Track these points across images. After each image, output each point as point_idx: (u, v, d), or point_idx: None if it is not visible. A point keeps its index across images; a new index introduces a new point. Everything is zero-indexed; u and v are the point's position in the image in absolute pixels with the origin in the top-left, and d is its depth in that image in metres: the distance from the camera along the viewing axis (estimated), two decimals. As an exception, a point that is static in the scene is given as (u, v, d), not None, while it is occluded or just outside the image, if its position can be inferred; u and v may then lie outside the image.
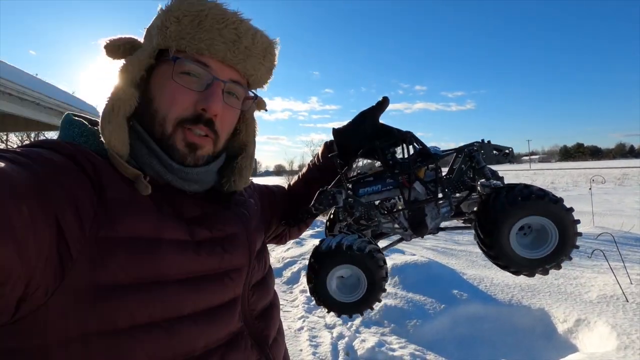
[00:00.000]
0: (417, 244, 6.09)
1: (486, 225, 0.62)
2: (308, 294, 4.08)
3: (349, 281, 0.68)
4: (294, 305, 3.89)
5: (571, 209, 0.60)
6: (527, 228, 0.62)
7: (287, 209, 0.90)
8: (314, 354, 2.85)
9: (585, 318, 3.05)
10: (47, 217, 0.39)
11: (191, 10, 0.56)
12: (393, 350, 2.85)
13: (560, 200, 0.59)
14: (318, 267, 0.64)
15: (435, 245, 5.89)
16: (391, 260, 4.33)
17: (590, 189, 8.33)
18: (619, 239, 4.79)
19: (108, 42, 0.59)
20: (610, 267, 3.55)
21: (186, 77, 0.57)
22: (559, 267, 0.61)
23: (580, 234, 0.59)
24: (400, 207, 0.75)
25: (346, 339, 3.04)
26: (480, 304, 3.47)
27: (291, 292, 4.32)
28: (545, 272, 0.62)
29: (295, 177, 0.96)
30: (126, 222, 0.47)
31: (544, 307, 3.32)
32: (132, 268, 0.46)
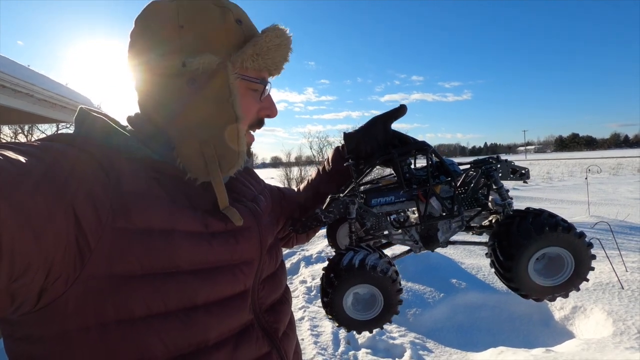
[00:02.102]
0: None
1: (508, 248, 0.61)
2: (308, 284, 4.12)
3: (363, 298, 0.67)
4: (294, 296, 3.92)
5: (591, 244, 0.61)
6: (541, 255, 0.63)
7: (294, 212, 0.90)
8: (315, 343, 2.88)
9: (581, 305, 3.10)
10: (64, 208, 0.40)
11: (275, 42, 0.60)
12: (393, 338, 2.89)
13: (583, 234, 0.60)
14: (338, 283, 0.63)
15: (433, 236, 5.94)
16: (390, 250, 4.34)
17: (586, 178, 8.40)
18: (615, 227, 4.84)
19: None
20: (607, 255, 3.60)
21: (254, 91, 0.63)
22: (566, 296, 0.63)
23: (593, 269, 0.61)
24: (413, 221, 0.73)
25: (347, 328, 3.07)
26: (478, 293, 3.52)
27: (291, 283, 4.34)
28: (553, 299, 0.64)
29: (305, 182, 0.95)
30: (141, 214, 0.47)
31: (541, 295, 3.37)
32: (148, 259, 0.47)
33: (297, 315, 3.41)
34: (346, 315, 0.65)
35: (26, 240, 0.35)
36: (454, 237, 0.75)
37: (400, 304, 0.66)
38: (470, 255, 4.66)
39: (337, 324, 0.67)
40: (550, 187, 15.00)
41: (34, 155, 0.41)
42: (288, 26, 0.62)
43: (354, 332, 0.69)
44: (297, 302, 3.73)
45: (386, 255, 0.68)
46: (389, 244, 0.79)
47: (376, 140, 0.76)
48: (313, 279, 4.26)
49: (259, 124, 0.66)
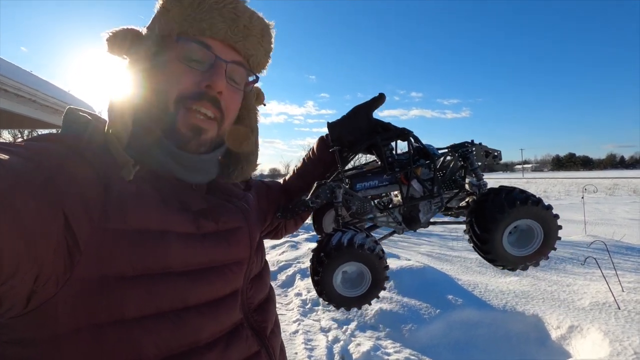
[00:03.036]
0: (412, 249, 6.10)
1: (484, 222, 0.66)
2: (303, 297, 4.07)
3: (351, 276, 0.71)
4: (288, 309, 3.87)
5: (557, 216, 0.67)
6: (514, 228, 0.68)
7: (280, 201, 0.91)
8: (309, 357, 2.83)
9: (578, 325, 3.07)
10: (54, 209, 0.39)
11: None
12: (388, 354, 2.84)
13: (551, 207, 0.66)
14: (328, 261, 0.66)
15: (430, 251, 5.91)
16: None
17: (582, 197, 8.43)
18: (611, 247, 4.85)
19: (112, 34, 0.56)
20: (603, 275, 3.59)
21: (190, 60, 0.57)
22: (537, 264, 0.68)
23: (559, 238, 0.67)
24: (396, 203, 0.77)
25: (341, 342, 3.02)
26: (474, 310, 3.48)
27: (286, 296, 4.29)
28: (525, 268, 0.69)
29: (290, 172, 0.96)
30: (133, 215, 0.47)
31: (538, 314, 3.34)
32: (139, 260, 0.47)
33: (291, 328, 3.36)
34: (336, 292, 0.69)
35: (14, 242, 0.35)
36: (434, 218, 0.80)
37: (387, 280, 0.70)
38: (466, 271, 4.64)
39: (327, 302, 0.71)
40: (547, 205, 14.99)
41: (22, 156, 0.40)
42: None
43: (344, 309, 0.72)
44: (292, 315, 3.68)
45: (372, 235, 0.71)
46: (374, 227, 0.83)
47: (359, 128, 0.78)
48: (308, 292, 4.21)
49: (202, 97, 0.58)
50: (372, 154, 0.81)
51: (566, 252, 5.30)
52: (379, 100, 0.78)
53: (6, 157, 0.38)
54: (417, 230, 0.78)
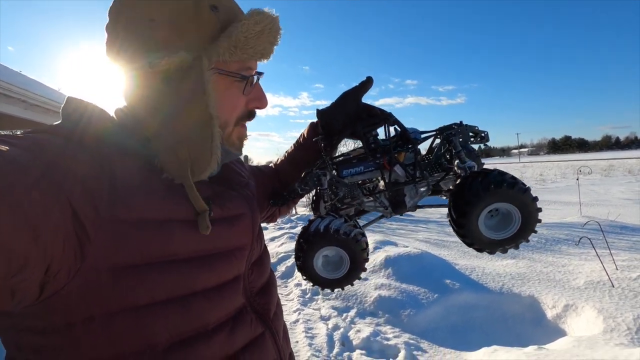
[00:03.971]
0: (409, 236, 6.15)
1: (460, 206, 0.67)
2: (303, 287, 4.12)
3: (333, 260, 0.75)
4: (288, 299, 3.91)
5: (536, 198, 0.65)
6: (495, 211, 0.68)
7: (276, 188, 0.92)
8: (310, 345, 2.88)
9: (573, 303, 3.14)
10: (60, 201, 0.40)
11: (255, 30, 0.54)
12: (388, 339, 2.89)
13: (528, 189, 0.65)
14: (307, 247, 0.71)
15: (427, 237, 5.97)
16: (384, 252, 4.37)
17: (577, 179, 8.51)
18: (605, 227, 4.91)
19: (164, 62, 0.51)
20: (597, 254, 3.65)
21: (241, 83, 0.59)
22: (517, 247, 0.68)
23: (540, 221, 0.66)
24: (382, 188, 0.78)
25: (341, 329, 3.07)
26: (472, 293, 3.54)
27: (286, 287, 4.34)
28: (504, 251, 0.69)
29: (281, 156, 0.98)
30: (139, 204, 0.48)
31: (534, 294, 3.40)
32: (147, 248, 0.47)
33: (291, 317, 3.41)
34: (318, 275, 0.74)
35: (22, 236, 0.35)
36: (422, 202, 0.81)
37: (366, 261, 0.73)
38: (463, 256, 4.70)
39: (312, 285, 0.76)
40: (543, 188, 15.13)
41: (21, 147, 0.41)
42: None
43: (329, 290, 0.77)
44: (292, 305, 3.72)
45: (352, 220, 0.74)
46: (363, 212, 0.86)
47: (347, 114, 0.78)
48: (308, 282, 4.25)
49: (250, 116, 0.65)
50: (358, 140, 0.82)
51: (561, 233, 5.37)
52: (366, 84, 0.78)
53: (6, 148, 0.38)
54: (415, 217, 0.80)
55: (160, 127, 0.53)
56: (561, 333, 2.95)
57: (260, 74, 0.62)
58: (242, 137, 0.65)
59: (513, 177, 0.65)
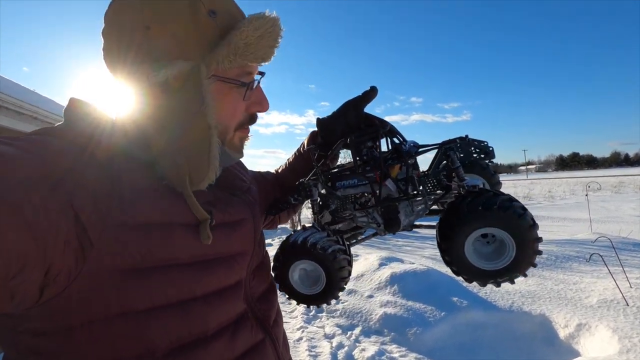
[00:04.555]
0: (415, 252, 6.06)
1: (443, 228, 0.60)
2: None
3: (313, 274, 0.71)
4: (292, 317, 3.84)
5: (535, 225, 0.55)
6: (492, 237, 0.60)
7: (277, 195, 0.92)
8: (313, 364, 2.80)
9: (586, 323, 3.02)
10: (61, 203, 0.39)
11: (255, 35, 0.52)
12: (394, 359, 2.81)
13: (526, 214, 0.55)
14: (282, 258, 0.69)
15: (433, 254, 5.86)
16: (390, 269, 4.30)
17: (586, 195, 8.37)
18: (617, 244, 4.79)
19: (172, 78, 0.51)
20: (610, 272, 3.53)
21: (242, 88, 0.58)
22: (512, 282, 0.59)
23: (540, 252, 0.56)
24: (374, 203, 0.74)
25: (346, 348, 2.99)
26: (480, 311, 3.44)
27: (290, 304, 4.26)
28: (497, 285, 0.60)
29: (283, 164, 0.98)
30: (140, 208, 0.47)
31: (545, 313, 3.29)
32: (149, 252, 0.47)
33: (295, 335, 3.33)
34: (293, 288, 0.71)
35: (23, 239, 0.35)
36: (419, 221, 0.75)
37: (344, 280, 0.68)
38: (471, 273, 4.59)
39: (288, 297, 0.73)
40: (552, 205, 14.91)
41: (28, 150, 0.41)
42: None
43: (305, 306, 0.74)
44: (296, 322, 3.65)
45: (335, 236, 0.70)
46: (358, 227, 0.81)
47: (348, 124, 0.75)
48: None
49: (251, 120, 0.63)
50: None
51: (572, 250, 5.24)
52: (370, 93, 0.74)
53: (12, 151, 0.38)
54: (422, 234, 0.76)
55: (160, 137, 0.52)
56: (574, 353, 2.84)
57: (261, 74, 0.61)
58: (244, 139, 0.64)
59: (510, 199, 0.56)
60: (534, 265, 0.56)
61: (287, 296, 0.72)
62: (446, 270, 4.62)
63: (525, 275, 0.58)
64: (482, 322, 3.32)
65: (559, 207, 13.81)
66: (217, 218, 0.57)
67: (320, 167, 0.76)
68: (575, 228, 7.89)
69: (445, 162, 0.71)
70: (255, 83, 0.60)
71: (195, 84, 0.51)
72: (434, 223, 0.74)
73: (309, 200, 0.78)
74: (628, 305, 3.16)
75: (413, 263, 4.73)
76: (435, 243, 0.65)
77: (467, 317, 3.37)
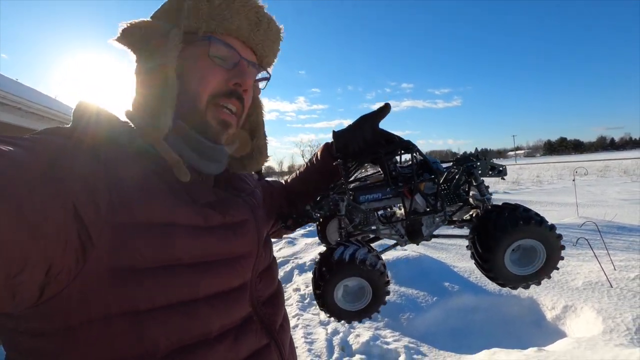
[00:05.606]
0: (408, 239, 6.14)
1: (486, 241, 0.66)
2: (302, 292, 4.10)
3: (353, 290, 0.71)
4: (287, 304, 3.89)
5: (560, 236, 0.65)
6: (517, 246, 0.67)
7: (283, 205, 0.91)
8: (309, 350, 2.86)
9: (572, 304, 3.14)
10: (62, 202, 0.39)
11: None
12: (387, 343, 2.88)
13: (554, 227, 0.65)
14: (329, 276, 0.67)
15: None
16: (383, 256, 4.36)
17: (573, 180, 8.54)
18: (603, 227, 4.93)
19: (129, 25, 0.59)
20: (595, 255, 3.65)
21: (216, 58, 0.60)
22: (539, 283, 0.68)
23: (562, 258, 0.67)
24: (399, 216, 0.77)
25: (341, 334, 3.05)
26: (471, 295, 3.53)
27: (285, 291, 4.31)
28: (527, 287, 0.69)
29: (293, 175, 0.96)
30: (142, 208, 0.47)
31: (533, 296, 3.40)
32: (149, 252, 0.47)
33: (291, 323, 3.38)
34: (337, 306, 0.70)
35: (23, 238, 0.35)
36: (437, 231, 0.79)
37: (387, 294, 0.70)
38: (462, 258, 4.69)
39: (328, 315, 0.71)
40: (540, 190, 15.20)
41: (30, 149, 0.40)
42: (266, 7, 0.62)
43: (344, 322, 0.73)
44: (291, 310, 3.70)
45: (374, 250, 0.71)
46: (376, 238, 0.83)
47: (364, 139, 0.77)
48: (307, 287, 4.23)
49: (229, 95, 0.61)
50: (376, 165, 0.80)
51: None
52: (384, 109, 0.77)
53: (12, 149, 0.38)
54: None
55: (136, 97, 0.59)
56: (561, 334, 2.95)
57: (267, 79, 0.65)
58: (221, 120, 0.61)
59: (538, 214, 0.66)
60: (557, 269, 0.67)
61: (328, 315, 0.71)
62: (438, 256, 4.72)
63: (549, 277, 0.68)
64: (473, 306, 3.42)
65: (546, 192, 14.08)
66: (217, 220, 0.58)
67: (343, 180, 0.77)
68: (563, 212, 8.08)
69: (464, 177, 0.76)
70: (233, 57, 0.61)
71: (166, 42, 0.57)
72: (449, 232, 0.81)
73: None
74: (612, 287, 3.29)
75: (405, 249, 4.80)
76: (472, 253, 0.70)
77: (458, 302, 3.46)
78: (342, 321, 0.72)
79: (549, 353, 2.39)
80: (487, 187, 0.76)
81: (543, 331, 3.05)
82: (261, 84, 0.73)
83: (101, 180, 0.45)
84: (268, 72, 0.71)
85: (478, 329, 3.17)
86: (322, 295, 0.68)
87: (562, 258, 0.66)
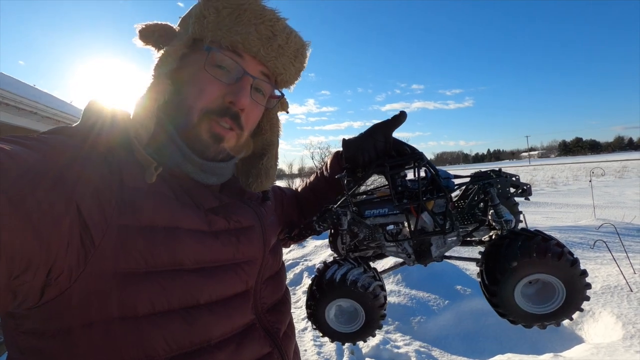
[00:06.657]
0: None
1: (493, 272, 0.58)
2: (311, 294, 4.08)
3: (347, 311, 0.68)
4: (297, 307, 3.88)
5: (585, 273, 0.55)
6: (535, 280, 0.59)
7: (293, 214, 0.90)
8: (318, 353, 2.84)
9: (590, 309, 3.04)
10: (67, 203, 0.39)
11: (232, 3, 0.56)
12: (398, 347, 2.84)
13: (577, 261, 0.55)
14: (319, 296, 0.64)
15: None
16: (393, 258, 4.30)
17: (590, 181, 8.33)
18: (621, 230, 4.77)
19: (144, 27, 0.61)
20: (614, 258, 3.54)
21: (217, 69, 0.57)
22: (558, 324, 0.58)
23: (588, 299, 0.56)
24: (406, 234, 0.71)
25: (350, 337, 3.03)
26: (484, 299, 3.43)
27: (294, 294, 4.30)
28: (542, 327, 0.60)
29: (303, 183, 0.95)
30: (145, 211, 0.47)
31: (548, 300, 3.31)
32: (151, 256, 0.46)
33: (300, 325, 3.37)
34: (329, 326, 0.66)
35: (26, 237, 0.35)
36: (451, 252, 0.72)
37: (382, 319, 0.65)
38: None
39: (321, 335, 0.67)
40: (555, 191, 14.89)
41: (34, 148, 0.40)
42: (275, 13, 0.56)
43: (339, 343, 0.69)
44: (301, 312, 3.69)
45: (372, 270, 0.67)
46: (382, 255, 0.77)
47: (375, 149, 0.72)
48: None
49: (225, 112, 0.58)
50: (384, 177, 0.74)
51: (575, 236, 5.24)
52: (399, 118, 0.73)
53: (17, 149, 0.38)
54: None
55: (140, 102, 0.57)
56: (578, 340, 2.86)
57: (279, 97, 0.64)
58: (214, 133, 0.58)
59: (559, 244, 0.56)
60: (581, 310, 0.56)
61: (321, 335, 0.68)
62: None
63: (571, 319, 0.58)
64: (485, 310, 3.34)
65: (562, 194, 13.78)
66: (221, 225, 0.57)
67: (346, 194, 0.72)
68: (579, 214, 7.89)
69: (480, 195, 0.69)
70: (240, 75, 0.59)
71: (167, 49, 0.57)
72: (465, 255, 0.73)
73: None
74: (632, 291, 3.17)
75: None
76: (479, 282, 0.63)
77: (470, 305, 3.39)
78: (336, 342, 0.67)
79: (565, 359, 2.31)
80: (517, 204, 0.68)
81: (559, 336, 2.96)
82: (273, 103, 0.68)
83: (106, 182, 0.45)
84: (280, 91, 0.67)
85: (491, 333, 3.09)
86: (313, 315, 0.65)
87: (588, 298, 0.56)
